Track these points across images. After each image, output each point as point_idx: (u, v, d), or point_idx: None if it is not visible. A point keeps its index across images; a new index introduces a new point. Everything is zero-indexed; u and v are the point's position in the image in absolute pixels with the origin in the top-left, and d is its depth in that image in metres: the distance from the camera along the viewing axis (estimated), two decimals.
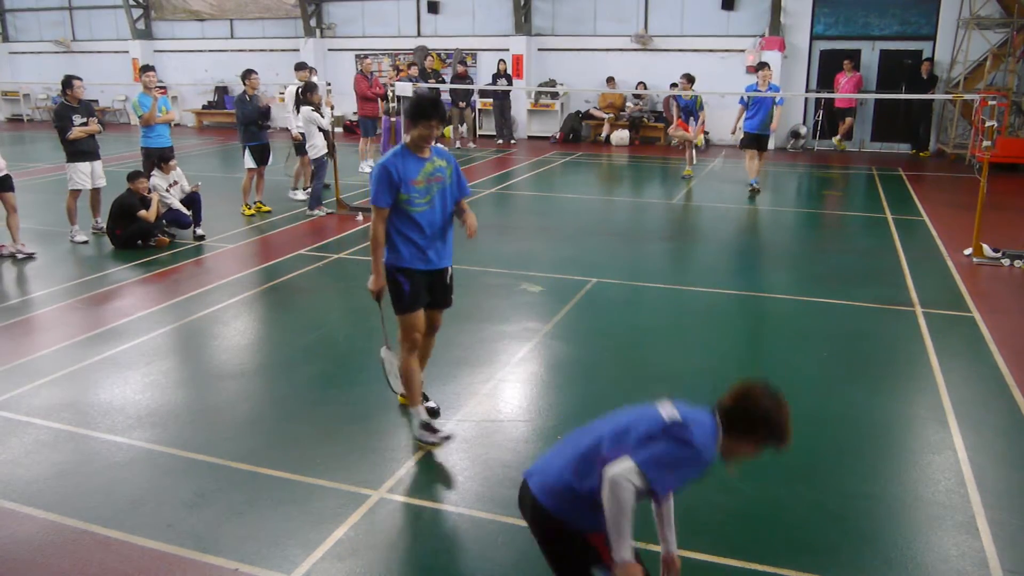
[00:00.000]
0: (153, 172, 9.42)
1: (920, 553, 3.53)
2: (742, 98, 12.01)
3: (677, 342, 6.18)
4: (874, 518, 3.78)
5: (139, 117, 9.73)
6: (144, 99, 9.73)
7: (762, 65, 11.91)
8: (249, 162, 10.66)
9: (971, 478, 4.11)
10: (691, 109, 12.96)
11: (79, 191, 9.28)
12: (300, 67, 11.96)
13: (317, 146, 10.52)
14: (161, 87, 10.04)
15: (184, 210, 9.39)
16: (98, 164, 9.40)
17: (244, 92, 10.65)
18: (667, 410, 2.61)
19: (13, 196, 8.63)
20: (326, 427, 4.71)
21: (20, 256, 8.50)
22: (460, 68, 17.73)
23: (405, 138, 4.33)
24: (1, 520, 3.80)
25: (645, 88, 17.64)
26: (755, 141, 11.94)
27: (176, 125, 22.44)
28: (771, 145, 17.08)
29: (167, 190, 9.40)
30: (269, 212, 10.77)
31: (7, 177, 8.56)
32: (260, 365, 5.83)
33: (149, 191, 9.06)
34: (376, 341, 6.23)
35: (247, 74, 10.67)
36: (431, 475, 4.17)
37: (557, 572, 2.82)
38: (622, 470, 2.45)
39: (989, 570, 3.40)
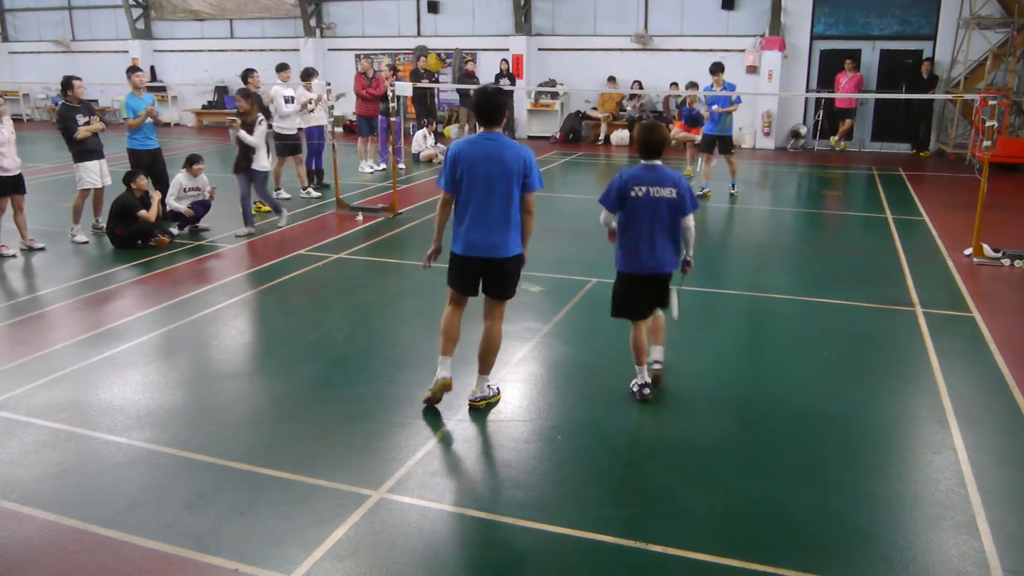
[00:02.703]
0: (180, 172, 9.49)
1: (920, 553, 3.53)
2: (702, 99, 11.89)
3: (677, 342, 6.17)
4: (874, 518, 3.77)
5: (124, 119, 9.53)
6: (134, 100, 9.51)
7: (715, 67, 11.50)
8: None
9: (971, 478, 4.10)
10: (695, 118, 12.71)
11: (89, 190, 9.29)
12: (281, 68, 11.91)
13: (263, 156, 9.66)
14: (153, 85, 9.95)
15: (187, 207, 9.54)
16: (104, 163, 9.41)
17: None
18: (669, 182, 4.78)
19: (23, 198, 8.68)
20: (326, 427, 4.71)
21: (34, 248, 8.79)
22: (470, 67, 17.75)
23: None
24: (1, 520, 3.80)
25: (641, 87, 17.62)
26: (714, 143, 11.70)
27: (176, 125, 22.52)
28: (771, 144, 17.15)
29: (185, 191, 9.45)
30: (269, 212, 10.77)
31: (20, 177, 8.57)
32: (260, 365, 5.83)
33: (147, 190, 9.10)
34: (376, 341, 6.25)
35: (248, 73, 10.67)
36: (431, 475, 4.17)
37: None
38: (693, 220, 4.88)
39: (989, 570, 3.40)
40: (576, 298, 6.97)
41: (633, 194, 4.75)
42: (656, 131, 4.84)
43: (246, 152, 9.36)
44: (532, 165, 4.63)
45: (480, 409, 4.91)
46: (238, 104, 9.50)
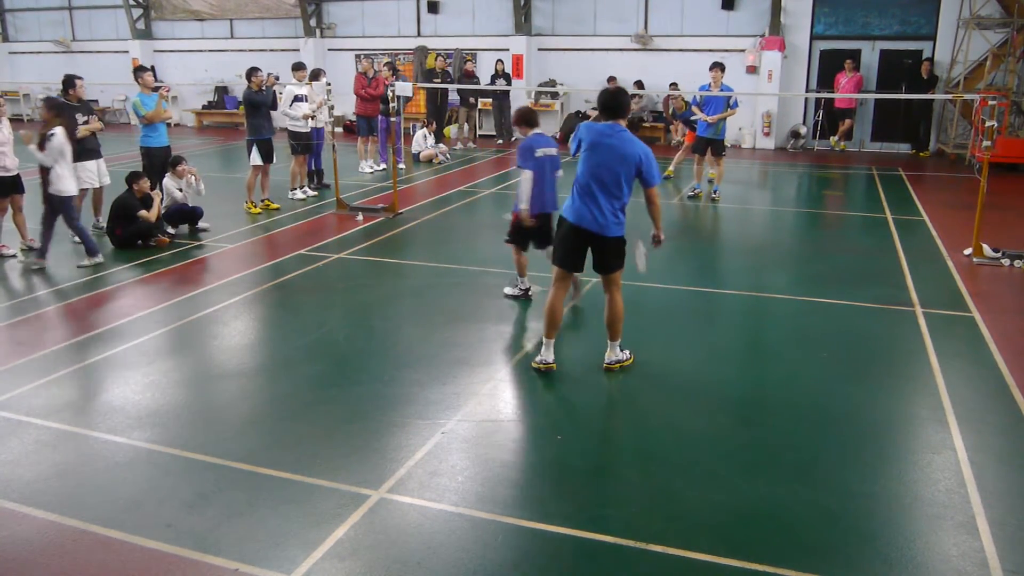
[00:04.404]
0: (166, 175, 9.50)
1: (920, 553, 3.53)
2: (695, 98, 11.83)
3: (676, 341, 6.18)
4: (874, 518, 3.78)
5: (140, 117, 9.71)
6: (145, 98, 9.74)
7: (714, 65, 11.35)
8: (256, 159, 10.69)
9: (971, 478, 4.11)
10: (690, 121, 12.59)
11: (87, 189, 9.30)
12: (297, 67, 11.93)
13: (62, 176, 7.98)
14: (158, 86, 10.01)
15: (188, 204, 9.56)
16: (102, 162, 9.44)
17: (249, 88, 10.68)
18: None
19: (22, 198, 8.72)
20: (326, 427, 4.71)
21: (32, 247, 8.73)
22: (469, 67, 17.74)
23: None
24: (1, 520, 3.80)
25: (642, 87, 17.61)
26: (707, 145, 11.54)
27: (176, 125, 22.50)
28: (771, 144, 17.15)
29: (179, 190, 9.48)
30: (278, 209, 10.82)
31: (18, 177, 8.59)
32: (260, 365, 5.83)
33: (152, 189, 9.11)
34: (376, 341, 6.26)
35: (253, 72, 10.69)
36: (431, 475, 4.17)
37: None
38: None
39: (989, 570, 3.40)
40: (576, 298, 6.97)
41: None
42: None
43: (44, 172, 7.94)
44: (650, 161, 5.16)
45: (614, 372, 5.43)
46: (42, 114, 8.19)
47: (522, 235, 6.72)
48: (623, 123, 5.23)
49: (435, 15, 19.76)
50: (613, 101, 5.23)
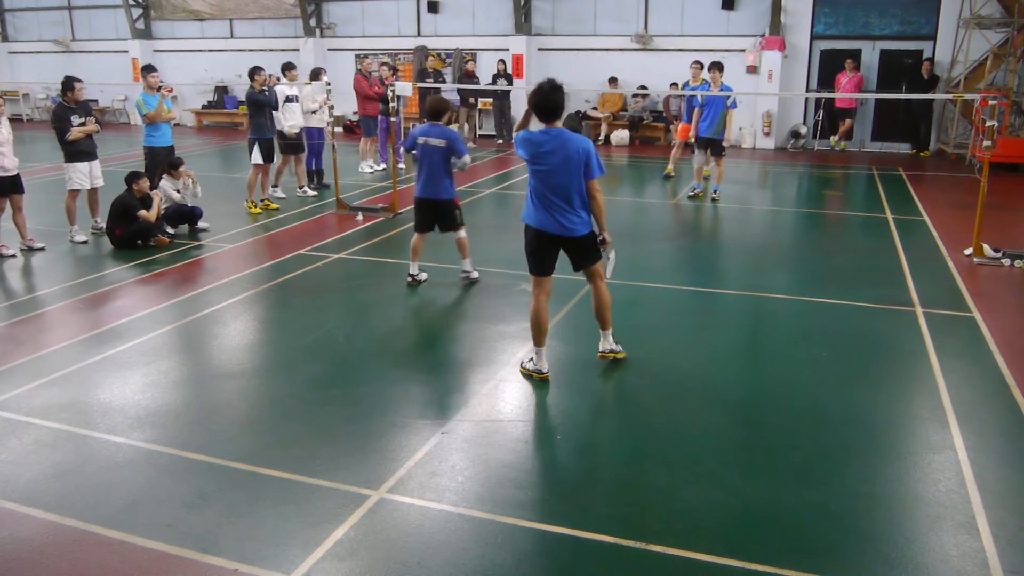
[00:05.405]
0: (163, 176, 9.49)
1: (920, 553, 3.53)
2: (695, 99, 11.82)
3: (676, 341, 6.18)
4: (874, 518, 3.78)
5: (142, 115, 9.75)
6: (148, 98, 9.78)
7: (713, 65, 11.33)
8: (257, 158, 10.69)
9: (971, 478, 4.10)
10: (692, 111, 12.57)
11: (78, 191, 9.31)
12: (287, 67, 11.90)
13: None
14: (167, 87, 10.03)
15: (188, 205, 9.57)
16: (96, 164, 9.42)
17: (251, 88, 10.67)
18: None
19: (21, 198, 8.72)
20: (326, 427, 4.71)
21: (34, 248, 8.83)
22: (469, 67, 17.73)
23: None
24: (1, 520, 3.80)
25: (644, 89, 17.60)
26: (706, 145, 11.53)
27: (176, 125, 22.49)
28: (771, 145, 17.15)
29: (176, 191, 9.48)
30: (277, 209, 10.81)
31: (18, 177, 8.60)
32: (260, 365, 5.83)
33: (151, 189, 9.11)
34: (376, 341, 6.25)
35: (256, 71, 10.69)
36: (431, 475, 4.17)
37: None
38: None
39: (989, 570, 3.40)
40: (576, 298, 6.97)
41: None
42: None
43: None
44: (593, 153, 5.08)
45: (609, 361, 5.52)
46: None
47: (423, 219, 7.21)
48: (558, 124, 5.04)
49: (435, 15, 19.76)
50: (548, 103, 4.98)
